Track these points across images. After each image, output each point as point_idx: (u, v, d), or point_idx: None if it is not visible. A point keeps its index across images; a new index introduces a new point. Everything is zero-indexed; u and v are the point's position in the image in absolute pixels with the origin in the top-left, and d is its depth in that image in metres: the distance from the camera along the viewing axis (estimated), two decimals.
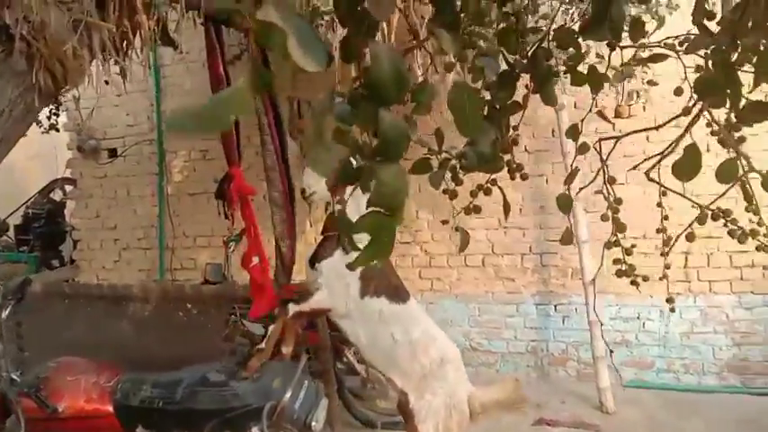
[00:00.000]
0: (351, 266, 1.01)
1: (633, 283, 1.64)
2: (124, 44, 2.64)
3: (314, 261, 2.69)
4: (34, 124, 6.93)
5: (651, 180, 1.54)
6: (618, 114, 4.78)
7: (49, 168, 8.83)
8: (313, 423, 2.65)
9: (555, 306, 5.07)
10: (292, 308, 2.66)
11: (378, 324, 2.60)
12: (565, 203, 1.63)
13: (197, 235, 6.04)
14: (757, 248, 1.47)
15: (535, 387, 4.93)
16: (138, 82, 6.06)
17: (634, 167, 1.76)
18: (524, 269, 5.11)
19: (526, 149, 5.05)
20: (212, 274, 4.74)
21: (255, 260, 2.88)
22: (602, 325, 4.60)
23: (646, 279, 1.74)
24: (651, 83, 3.91)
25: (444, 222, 2.00)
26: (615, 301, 4.89)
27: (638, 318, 4.88)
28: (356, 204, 2.65)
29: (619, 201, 1.60)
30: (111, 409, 2.72)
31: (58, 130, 6.18)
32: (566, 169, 4.66)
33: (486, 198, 5.13)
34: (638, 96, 4.77)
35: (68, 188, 7.10)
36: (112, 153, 6.28)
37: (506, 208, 1.65)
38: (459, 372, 2.65)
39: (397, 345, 2.59)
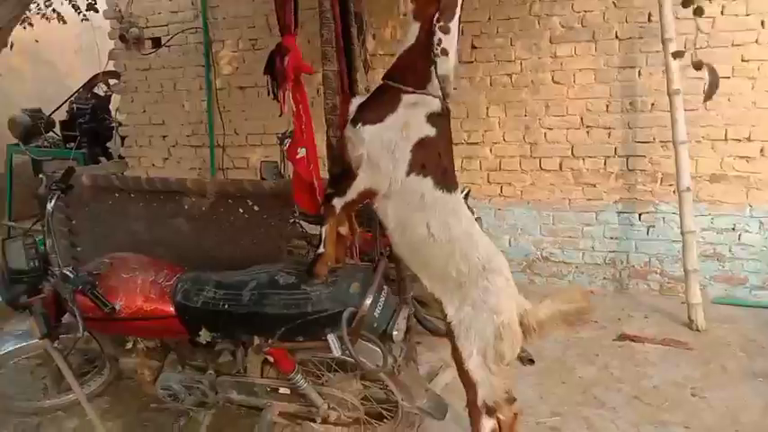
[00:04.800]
0: None
1: None
2: None
3: (357, 120, 2.18)
4: (72, 12, 6.55)
5: None
6: None
7: (93, 63, 8.52)
8: (394, 332, 2.35)
9: (639, 215, 4.61)
10: (338, 202, 2.26)
11: (415, 210, 2.12)
12: None
13: (248, 132, 5.68)
14: None
15: (613, 301, 4.59)
16: None
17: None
18: (607, 173, 4.62)
19: (616, 36, 4.43)
20: (268, 172, 4.43)
21: (302, 152, 2.44)
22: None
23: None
24: None
25: None
26: (708, 210, 4.41)
27: (733, 229, 4.39)
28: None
29: None
30: (171, 309, 2.47)
31: (96, 11, 5.76)
32: (664, 59, 4.06)
33: (567, 92, 4.57)
34: None
35: (112, 82, 6.77)
36: (156, 43, 5.86)
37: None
38: (507, 283, 2.16)
39: (430, 239, 2.12)
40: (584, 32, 4.49)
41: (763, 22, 4.05)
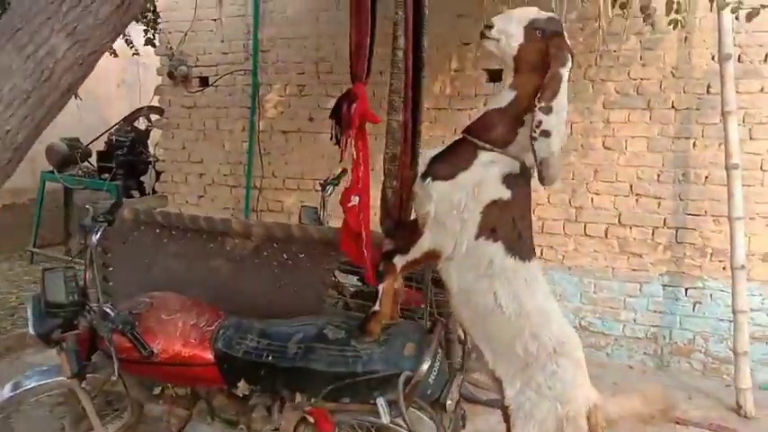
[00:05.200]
0: None
1: None
2: None
3: (427, 175, 2.09)
4: (122, 45, 6.68)
5: None
6: None
7: (133, 97, 8.66)
8: (447, 402, 2.20)
9: (686, 289, 4.43)
10: (399, 260, 2.14)
11: (482, 276, 1.96)
12: None
13: (286, 176, 5.64)
14: None
15: (653, 378, 4.37)
16: (237, 6, 5.69)
17: None
18: (655, 244, 4.47)
19: (673, 105, 4.35)
20: (307, 217, 4.33)
21: (355, 200, 2.34)
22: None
23: None
24: None
25: None
26: (759, 291, 4.22)
27: None
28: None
29: None
30: (210, 356, 2.34)
31: (154, 46, 5.85)
32: (724, 132, 3.96)
33: (618, 158, 4.46)
34: None
35: (154, 117, 6.83)
36: (203, 82, 5.91)
37: None
38: (578, 370, 1.99)
39: (498, 311, 1.94)
40: (639, 100, 4.42)
41: None
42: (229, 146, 5.88)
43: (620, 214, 4.54)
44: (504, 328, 2.00)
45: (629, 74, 4.43)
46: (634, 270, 4.54)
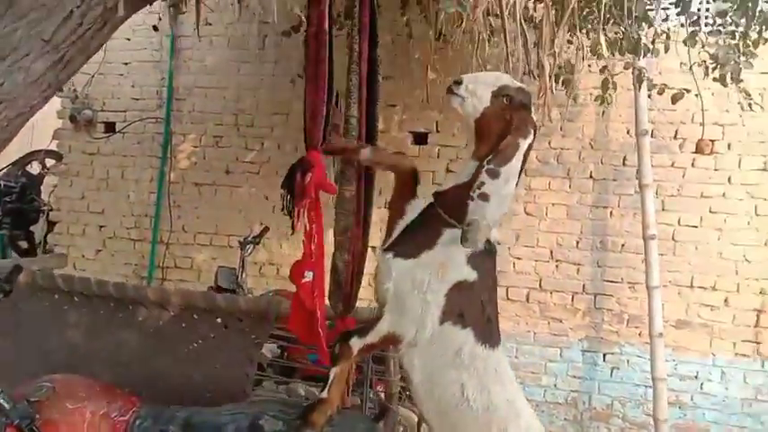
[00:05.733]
0: None
1: None
2: None
3: (390, 249, 1.95)
4: None
5: None
6: (699, 150, 4.29)
7: (24, 140, 7.95)
8: None
9: (604, 355, 4.50)
10: (356, 343, 1.96)
11: (448, 366, 1.86)
12: None
13: (198, 231, 5.30)
14: None
15: None
16: (151, 50, 5.41)
17: None
18: (575, 310, 4.54)
19: (591, 175, 4.51)
20: (225, 279, 4.06)
21: (308, 276, 2.16)
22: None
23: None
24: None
25: None
26: (673, 356, 4.36)
27: (696, 377, 4.35)
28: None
29: None
30: None
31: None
32: (641, 204, 4.13)
33: (539, 224, 4.50)
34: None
35: (50, 162, 6.27)
36: (110, 128, 5.51)
37: None
38: None
39: (464, 404, 1.82)
40: (559, 169, 4.55)
41: (729, 178, 4.22)
42: (135, 197, 5.47)
43: (540, 279, 4.60)
44: (470, 422, 1.85)
45: (549, 143, 4.56)
46: (554, 335, 4.58)
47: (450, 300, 1.84)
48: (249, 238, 4.25)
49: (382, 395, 3.01)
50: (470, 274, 1.87)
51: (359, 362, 2.65)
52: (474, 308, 1.87)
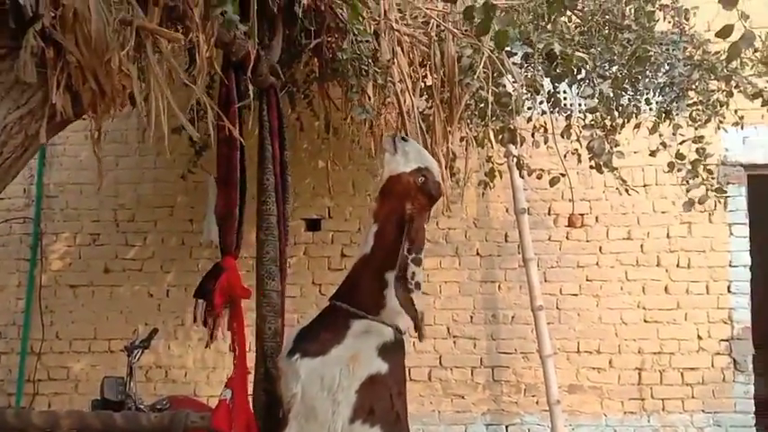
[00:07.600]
0: None
1: None
2: None
3: (294, 351, 1.90)
4: None
5: None
6: (571, 223, 4.67)
7: None
8: None
9: (506, 426, 4.61)
10: None
11: None
12: None
13: (74, 337, 4.87)
14: None
15: None
16: None
17: None
18: (475, 384, 4.64)
19: (477, 252, 4.74)
20: (112, 390, 3.71)
21: (227, 394, 2.02)
22: None
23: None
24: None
25: None
26: (569, 421, 4.55)
27: None
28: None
29: None
30: None
31: None
32: (526, 277, 4.39)
33: (434, 302, 4.67)
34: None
35: None
36: None
37: None
38: None
39: None
40: (448, 247, 4.74)
41: (600, 248, 4.62)
42: (0, 305, 4.95)
43: (440, 356, 4.67)
44: None
45: (437, 224, 4.75)
46: (458, 412, 4.63)
47: (360, 396, 1.83)
48: (137, 342, 3.94)
49: None
50: (382, 366, 1.88)
51: None
52: (383, 402, 1.87)
